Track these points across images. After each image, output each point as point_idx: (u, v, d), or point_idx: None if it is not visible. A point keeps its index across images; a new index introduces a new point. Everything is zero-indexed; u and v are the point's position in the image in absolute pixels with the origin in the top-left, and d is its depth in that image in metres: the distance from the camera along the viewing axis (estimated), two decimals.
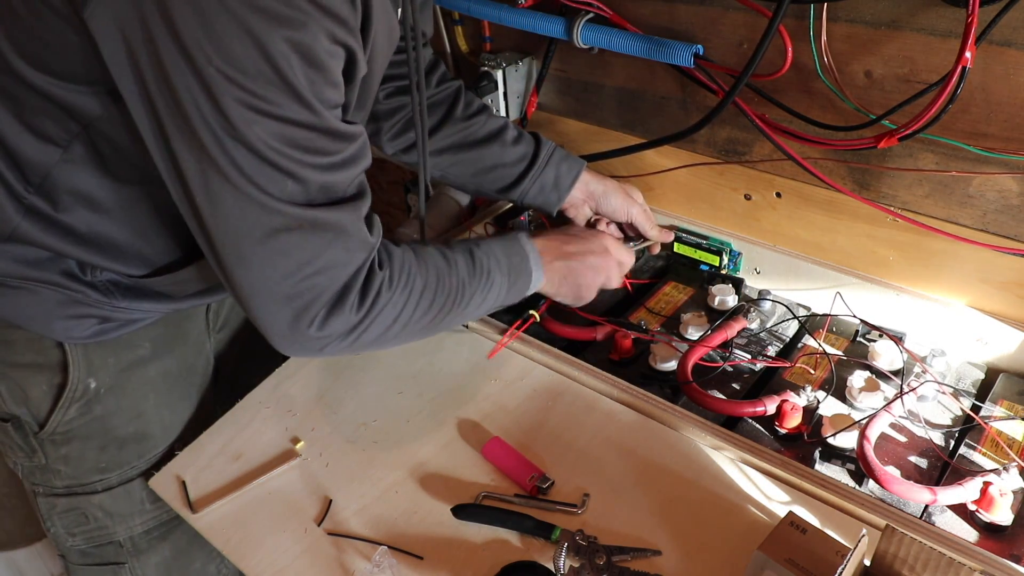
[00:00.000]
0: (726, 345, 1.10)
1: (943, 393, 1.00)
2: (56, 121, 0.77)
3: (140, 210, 0.84)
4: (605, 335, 1.13)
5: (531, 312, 1.12)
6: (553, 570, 0.80)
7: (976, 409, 1.00)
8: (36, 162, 0.79)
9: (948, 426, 0.98)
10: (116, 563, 1.03)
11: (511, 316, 1.13)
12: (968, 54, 0.85)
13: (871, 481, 0.88)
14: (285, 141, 0.70)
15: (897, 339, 1.05)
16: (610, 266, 1.05)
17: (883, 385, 1.00)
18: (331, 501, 0.90)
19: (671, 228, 1.29)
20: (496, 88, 1.37)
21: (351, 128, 0.76)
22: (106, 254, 0.85)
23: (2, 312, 0.87)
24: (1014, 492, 0.84)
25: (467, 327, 1.12)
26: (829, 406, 1.00)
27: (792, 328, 1.15)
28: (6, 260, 0.84)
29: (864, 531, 0.71)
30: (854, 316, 1.10)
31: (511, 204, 1.32)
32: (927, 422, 0.97)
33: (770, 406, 0.97)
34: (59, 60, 0.72)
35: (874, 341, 1.07)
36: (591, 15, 1.20)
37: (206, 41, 0.64)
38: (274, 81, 0.67)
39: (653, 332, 1.13)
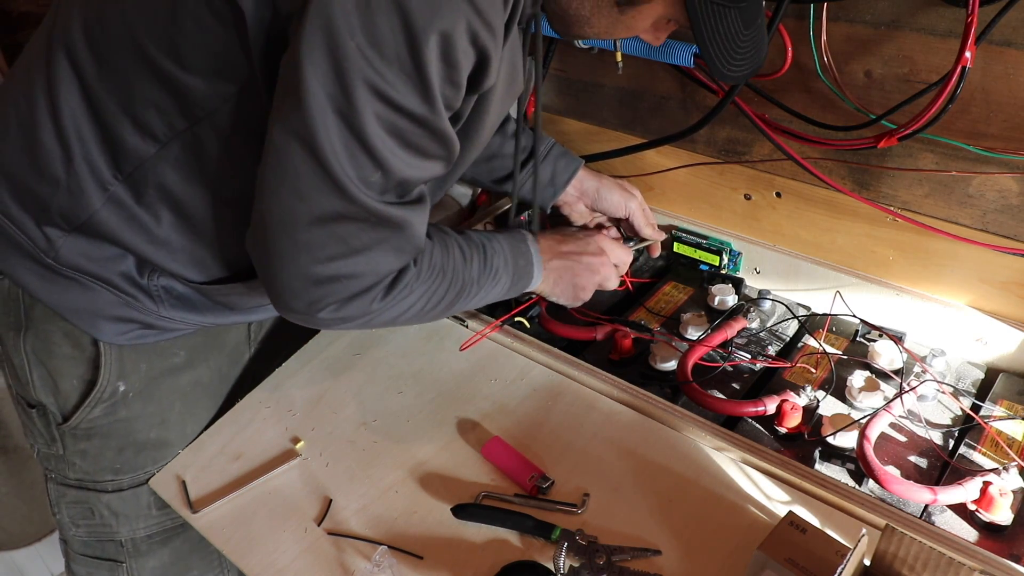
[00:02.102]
0: (726, 345, 1.10)
1: (943, 393, 1.00)
2: (163, 115, 0.76)
3: (219, 218, 0.84)
4: (605, 335, 1.13)
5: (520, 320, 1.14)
6: (553, 570, 0.80)
7: (976, 409, 1.00)
8: (132, 153, 0.78)
9: (948, 426, 0.98)
10: (115, 560, 1.03)
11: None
12: (968, 54, 0.86)
13: (871, 481, 0.88)
14: (393, 132, 0.69)
15: (897, 339, 1.05)
16: (605, 265, 1.05)
17: (883, 385, 1.00)
18: (331, 501, 0.90)
19: (670, 228, 1.29)
20: None
21: (454, 136, 0.76)
22: (173, 256, 0.85)
23: (49, 300, 0.87)
24: (1014, 492, 0.84)
25: (467, 327, 1.12)
26: (829, 406, 1.00)
27: (792, 328, 1.15)
28: (69, 250, 0.83)
29: (864, 531, 0.71)
30: (854, 316, 1.10)
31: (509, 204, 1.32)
32: (927, 422, 0.97)
33: (770, 406, 0.97)
34: (191, 47, 0.72)
35: (874, 341, 1.07)
36: None
37: (356, 14, 0.63)
38: (408, 70, 0.66)
39: (653, 332, 1.13)
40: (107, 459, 0.98)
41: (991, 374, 1.06)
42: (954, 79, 0.87)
